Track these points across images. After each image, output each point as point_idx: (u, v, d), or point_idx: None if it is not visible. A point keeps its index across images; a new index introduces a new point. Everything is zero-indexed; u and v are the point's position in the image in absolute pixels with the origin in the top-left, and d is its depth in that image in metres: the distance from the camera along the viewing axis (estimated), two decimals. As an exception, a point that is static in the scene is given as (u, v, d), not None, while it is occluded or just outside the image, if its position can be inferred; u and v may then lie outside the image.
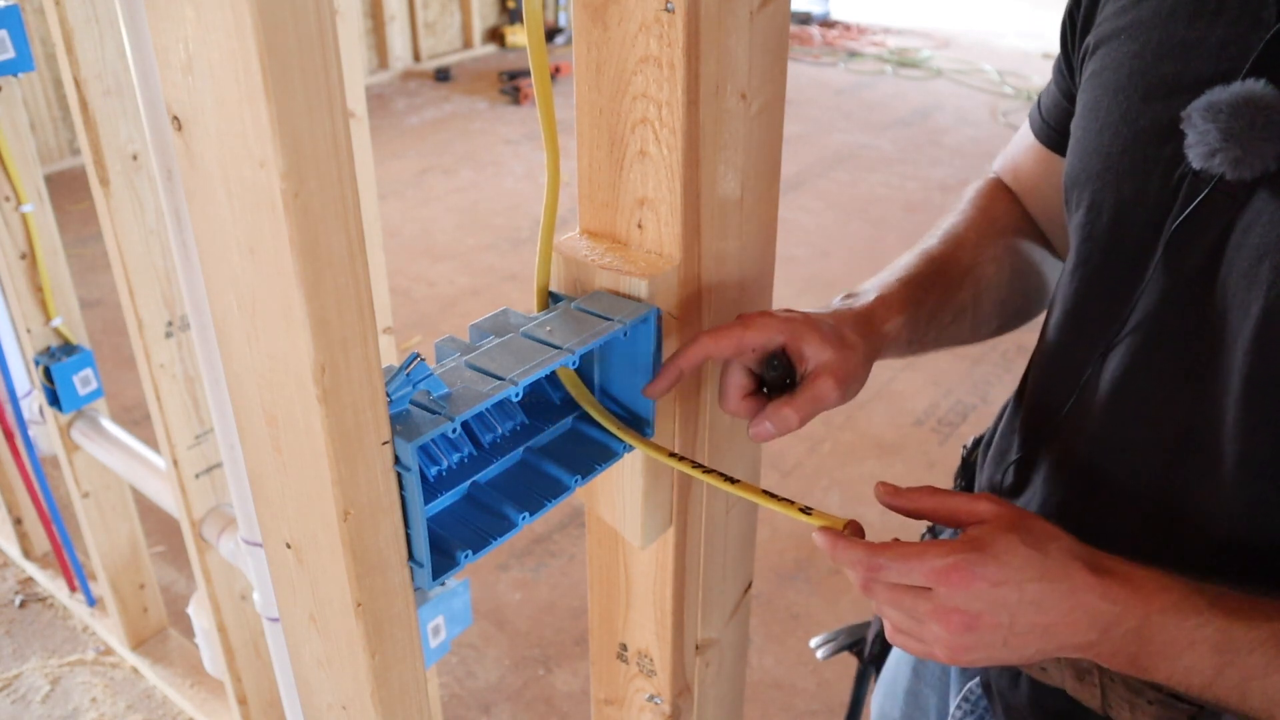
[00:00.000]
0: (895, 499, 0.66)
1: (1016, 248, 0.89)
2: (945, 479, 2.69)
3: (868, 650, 1.08)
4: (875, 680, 1.10)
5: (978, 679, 0.87)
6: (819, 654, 1.10)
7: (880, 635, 1.07)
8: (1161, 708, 0.71)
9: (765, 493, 0.68)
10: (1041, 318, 0.88)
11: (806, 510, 0.66)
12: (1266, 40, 0.62)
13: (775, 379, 0.70)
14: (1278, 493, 0.65)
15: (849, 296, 0.78)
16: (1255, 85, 0.61)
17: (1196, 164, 0.63)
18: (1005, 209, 0.91)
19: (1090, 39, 0.77)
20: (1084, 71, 0.78)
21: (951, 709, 0.90)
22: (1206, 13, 0.67)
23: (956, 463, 0.99)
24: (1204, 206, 0.64)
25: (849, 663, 1.19)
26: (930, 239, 0.87)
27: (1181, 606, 0.59)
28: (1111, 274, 0.72)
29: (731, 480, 0.68)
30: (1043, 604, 0.59)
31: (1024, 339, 3.97)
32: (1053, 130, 0.87)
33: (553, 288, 0.72)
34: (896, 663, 1.04)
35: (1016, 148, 0.95)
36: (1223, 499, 0.67)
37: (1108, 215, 0.72)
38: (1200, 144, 0.62)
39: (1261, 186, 0.61)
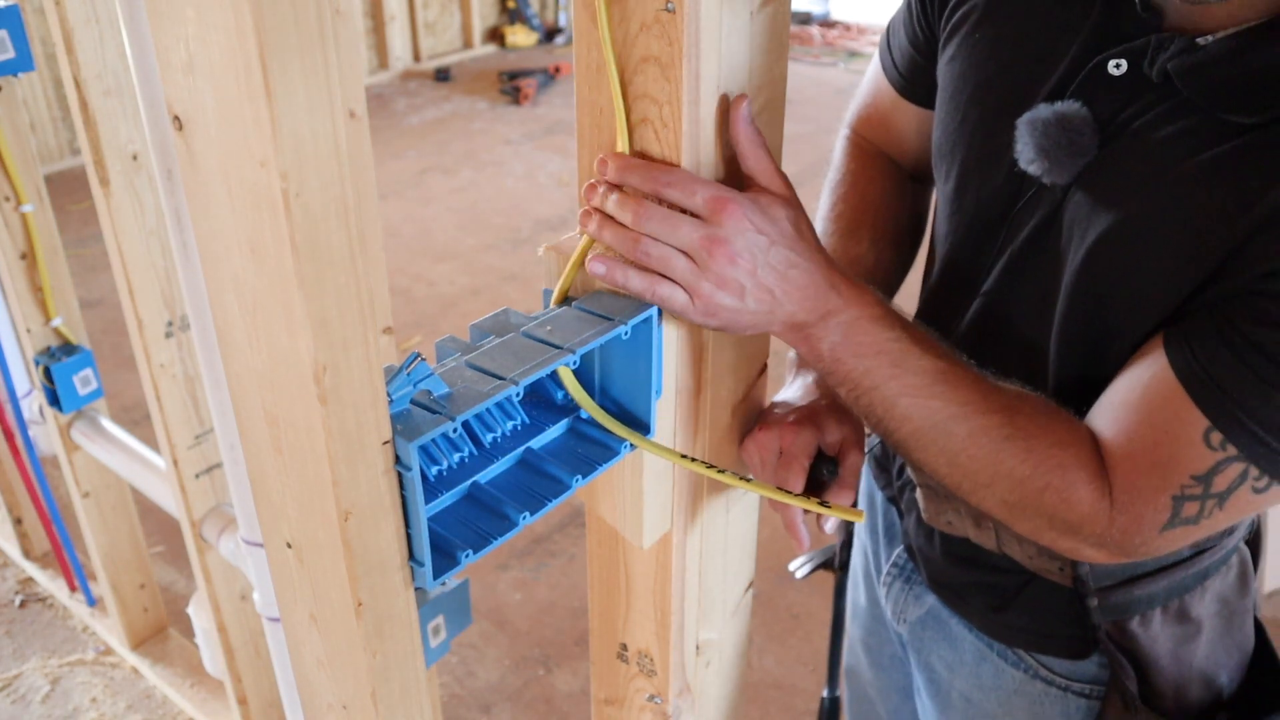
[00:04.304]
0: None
1: (900, 220, 0.97)
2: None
3: (837, 559, 1.17)
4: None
5: (902, 547, 1.00)
6: (798, 574, 1.18)
7: (847, 543, 1.15)
8: (1040, 546, 0.82)
9: (781, 489, 0.68)
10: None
11: (825, 504, 0.68)
12: (1089, 68, 0.72)
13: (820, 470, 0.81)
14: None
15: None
16: (1072, 106, 0.73)
17: (1023, 167, 0.76)
18: (878, 187, 0.97)
19: (958, 9, 0.84)
20: (948, 45, 0.85)
21: (883, 574, 1.03)
22: (1055, 24, 0.76)
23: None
24: (1036, 196, 0.78)
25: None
26: (829, 236, 0.94)
27: (886, 319, 0.70)
28: (974, 245, 0.84)
29: (746, 479, 0.68)
30: (790, 265, 0.66)
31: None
32: (910, 84, 0.94)
33: (552, 287, 0.72)
34: (854, 556, 1.14)
35: (872, 98, 1.00)
36: None
37: (971, 198, 0.83)
38: (1024, 154, 0.75)
39: (1073, 184, 0.74)
